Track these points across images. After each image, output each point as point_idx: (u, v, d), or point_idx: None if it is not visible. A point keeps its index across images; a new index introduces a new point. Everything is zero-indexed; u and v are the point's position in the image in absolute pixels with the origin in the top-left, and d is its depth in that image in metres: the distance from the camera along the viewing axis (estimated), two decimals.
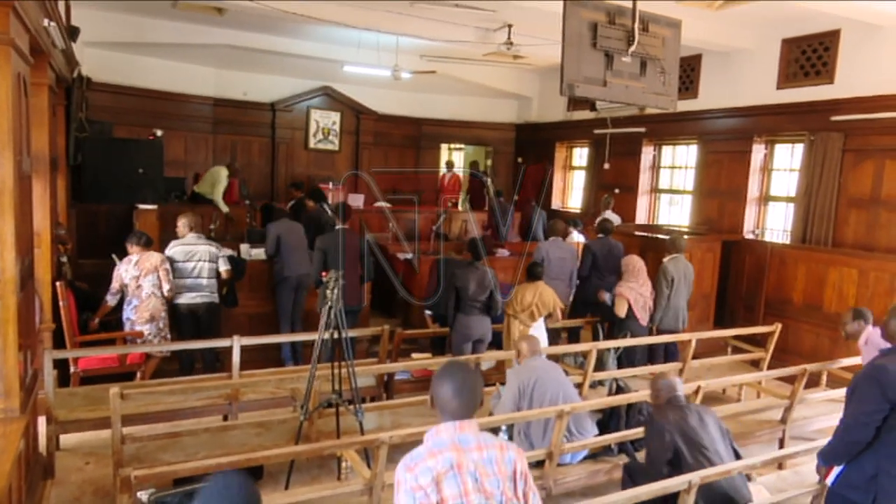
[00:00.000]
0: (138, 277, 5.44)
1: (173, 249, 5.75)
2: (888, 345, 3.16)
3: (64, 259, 6.05)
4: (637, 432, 4.21)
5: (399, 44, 9.21)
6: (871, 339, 4.62)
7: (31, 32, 3.51)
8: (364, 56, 9.84)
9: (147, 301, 5.47)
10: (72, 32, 5.73)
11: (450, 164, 11.14)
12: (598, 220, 7.39)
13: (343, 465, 4.18)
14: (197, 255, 5.76)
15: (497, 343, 6.14)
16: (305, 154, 11.87)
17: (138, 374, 5.32)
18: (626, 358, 6.30)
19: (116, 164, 7.65)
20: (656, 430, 3.46)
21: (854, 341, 4.79)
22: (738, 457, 3.52)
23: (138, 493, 2.95)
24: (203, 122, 10.90)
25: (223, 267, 5.88)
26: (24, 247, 3.34)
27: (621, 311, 6.22)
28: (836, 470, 3.02)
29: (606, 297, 6.40)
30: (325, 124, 11.92)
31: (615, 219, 9.52)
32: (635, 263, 6.37)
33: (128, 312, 5.49)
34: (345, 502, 3.58)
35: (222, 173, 9.39)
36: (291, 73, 11.19)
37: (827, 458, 3.04)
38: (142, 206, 7.28)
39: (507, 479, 1.99)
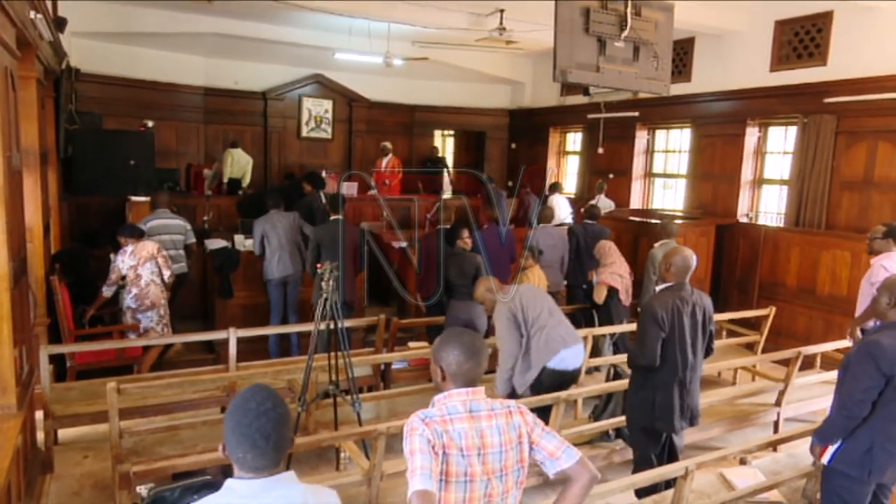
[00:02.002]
0: (136, 266, 5.51)
1: (150, 224, 6.11)
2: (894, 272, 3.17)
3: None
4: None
5: (390, 30, 9.13)
6: (887, 263, 4.64)
7: (18, 26, 3.46)
8: (355, 43, 9.75)
9: (146, 289, 5.54)
10: (59, 23, 5.64)
11: (384, 149, 11.11)
12: (586, 206, 7.43)
13: (341, 455, 4.21)
14: (170, 229, 6.29)
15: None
16: (298, 143, 11.76)
17: (135, 367, 5.34)
18: (622, 343, 6.33)
19: (107, 155, 7.55)
20: (652, 318, 3.48)
21: (875, 255, 4.87)
22: (709, 350, 3.76)
23: (137, 488, 2.96)
24: (194, 111, 10.77)
25: (191, 239, 6.47)
26: (16, 242, 3.33)
27: (600, 297, 6.25)
28: (832, 448, 3.06)
29: (594, 277, 6.42)
30: (317, 112, 11.82)
31: (609, 204, 9.54)
32: (608, 246, 6.38)
33: (128, 301, 5.56)
34: (344, 492, 3.57)
35: (245, 157, 10.17)
36: (282, 61, 11.06)
37: (823, 436, 3.07)
38: (134, 198, 7.24)
39: (511, 447, 2.01)
